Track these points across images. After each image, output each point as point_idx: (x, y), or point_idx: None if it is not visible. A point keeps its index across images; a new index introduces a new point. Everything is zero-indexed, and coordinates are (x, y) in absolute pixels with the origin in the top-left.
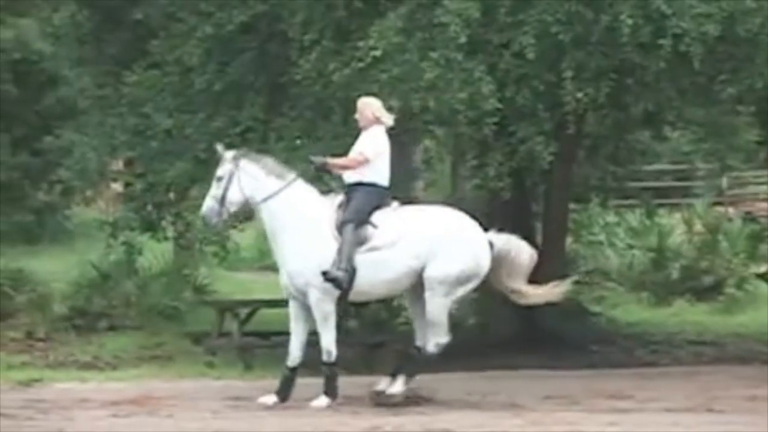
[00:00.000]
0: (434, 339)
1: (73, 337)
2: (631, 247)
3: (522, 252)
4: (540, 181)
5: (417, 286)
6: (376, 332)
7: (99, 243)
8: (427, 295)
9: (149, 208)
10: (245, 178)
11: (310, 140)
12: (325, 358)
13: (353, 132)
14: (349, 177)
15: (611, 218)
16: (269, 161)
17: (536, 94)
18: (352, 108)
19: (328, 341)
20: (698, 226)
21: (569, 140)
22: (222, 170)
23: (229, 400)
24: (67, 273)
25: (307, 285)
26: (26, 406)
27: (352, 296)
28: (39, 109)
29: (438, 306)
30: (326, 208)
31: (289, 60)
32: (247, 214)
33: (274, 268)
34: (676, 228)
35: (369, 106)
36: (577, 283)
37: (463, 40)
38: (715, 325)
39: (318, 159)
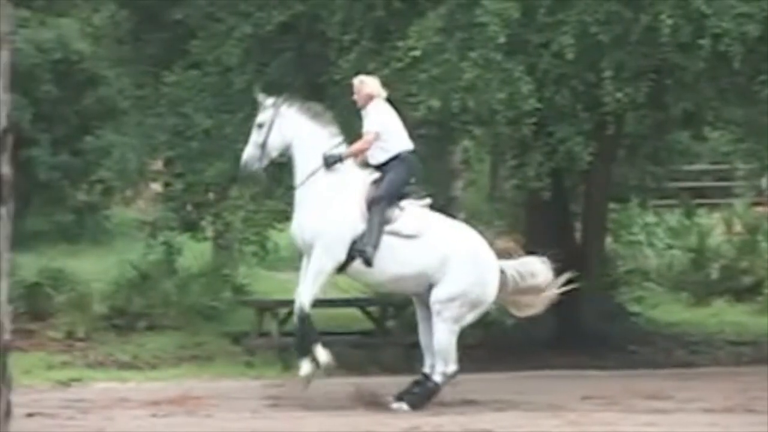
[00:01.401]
0: (441, 368)
1: (112, 336)
2: (670, 247)
3: (537, 275)
4: (579, 181)
5: (422, 302)
6: (416, 332)
7: (138, 243)
8: (434, 320)
9: (188, 208)
10: (286, 123)
11: (348, 140)
12: (297, 312)
13: None
14: (374, 158)
15: (650, 218)
16: (312, 106)
17: (575, 94)
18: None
19: (307, 296)
20: (738, 226)
21: (608, 140)
22: (262, 117)
23: (268, 399)
24: (106, 273)
25: (314, 238)
26: (66, 405)
27: (352, 272)
28: (79, 109)
29: (444, 332)
30: (361, 177)
31: (328, 60)
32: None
33: None
34: (716, 228)
35: (364, 84)
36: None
37: (502, 40)
38: (755, 326)
39: (332, 155)
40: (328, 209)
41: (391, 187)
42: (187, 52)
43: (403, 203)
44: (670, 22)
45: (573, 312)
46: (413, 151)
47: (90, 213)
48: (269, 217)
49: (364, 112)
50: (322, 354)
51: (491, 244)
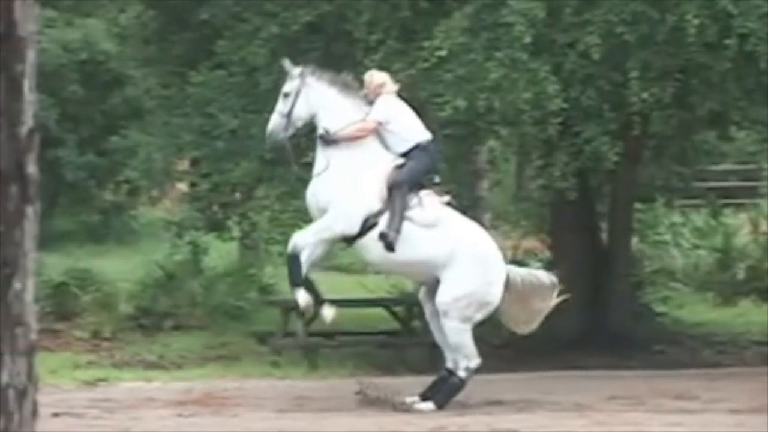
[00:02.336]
0: (464, 363)
1: (138, 336)
2: (696, 247)
3: (536, 294)
4: (605, 181)
5: (429, 298)
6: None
7: (164, 243)
8: (443, 321)
9: (215, 208)
10: (312, 93)
11: None
12: (288, 250)
13: None
14: (395, 148)
15: (677, 218)
16: (340, 77)
17: (601, 94)
18: (417, 108)
19: (302, 240)
20: (764, 226)
21: (634, 140)
22: (289, 86)
23: (294, 399)
24: (132, 273)
25: (329, 204)
26: (92, 405)
27: (359, 248)
28: (105, 109)
29: (454, 331)
30: (386, 158)
31: (355, 60)
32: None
33: (339, 269)
34: (742, 228)
35: (374, 77)
36: (641, 283)
37: (528, 40)
38: None
39: (328, 132)
40: (347, 180)
41: (412, 174)
42: (213, 52)
43: (423, 193)
44: (696, 22)
45: (599, 312)
46: (433, 141)
47: (116, 213)
48: (295, 216)
49: (373, 103)
50: (303, 299)
51: (516, 245)
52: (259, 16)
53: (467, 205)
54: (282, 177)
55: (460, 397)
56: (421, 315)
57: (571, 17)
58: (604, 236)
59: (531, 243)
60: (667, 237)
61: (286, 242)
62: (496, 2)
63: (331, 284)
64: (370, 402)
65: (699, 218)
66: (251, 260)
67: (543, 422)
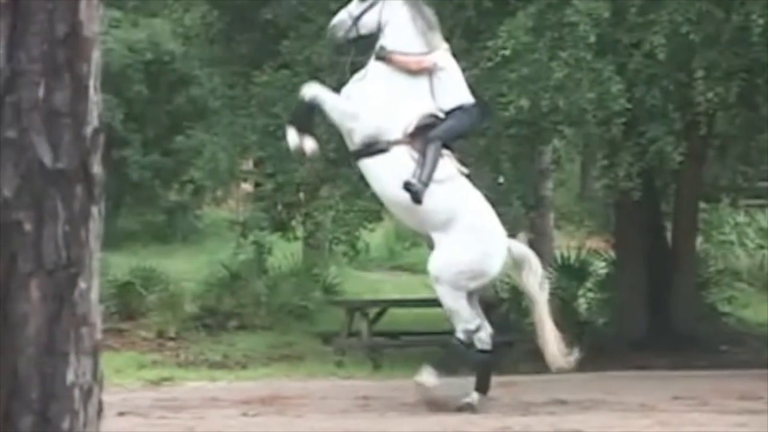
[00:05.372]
0: (462, 326)
1: (203, 336)
2: (761, 247)
3: (532, 272)
4: (670, 181)
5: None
6: (505, 332)
7: (229, 243)
8: (435, 287)
9: (279, 207)
10: (388, 10)
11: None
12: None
13: (483, 130)
14: (440, 101)
15: (741, 218)
16: (426, 12)
17: (666, 94)
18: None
19: (312, 92)
20: None
21: (699, 140)
22: None
23: (359, 399)
24: (197, 272)
25: (353, 120)
26: (157, 405)
27: (363, 167)
28: (170, 109)
29: (446, 296)
30: (425, 101)
31: None
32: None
33: (404, 268)
34: None
35: None
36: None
37: (592, 39)
38: None
39: (383, 49)
40: (381, 97)
41: (448, 131)
42: (278, 52)
43: (445, 151)
44: (761, 21)
45: (664, 312)
46: (476, 107)
47: (181, 213)
48: (359, 216)
49: None
50: (292, 140)
51: (580, 245)
52: (323, 15)
53: (532, 205)
54: (346, 177)
55: (525, 397)
56: (485, 314)
57: (636, 17)
58: (668, 236)
59: (595, 243)
60: (732, 237)
61: (350, 242)
62: (561, 2)
63: (395, 284)
64: (433, 402)
65: (764, 218)
66: (315, 260)
67: (607, 422)
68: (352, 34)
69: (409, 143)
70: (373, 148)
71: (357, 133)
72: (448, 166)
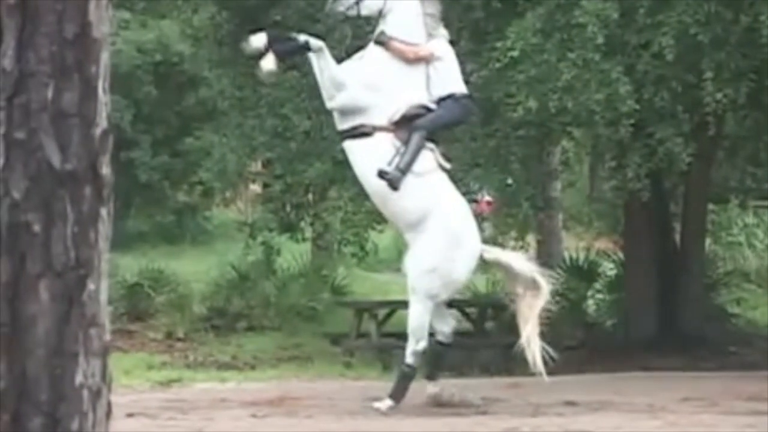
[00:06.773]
0: (411, 347)
1: (212, 337)
2: None
3: (512, 278)
4: (678, 182)
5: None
6: (514, 333)
7: (238, 244)
8: (410, 297)
9: (288, 209)
10: (391, 1)
11: (446, 141)
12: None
13: (493, 132)
14: (433, 88)
15: (750, 219)
16: (433, 2)
17: (675, 95)
18: (490, 109)
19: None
20: None
21: (708, 141)
22: None
23: (368, 401)
24: (206, 273)
25: (338, 87)
26: (166, 406)
27: (347, 149)
28: (179, 110)
29: (417, 308)
30: (419, 90)
31: None
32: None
33: None
34: None
35: None
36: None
37: (600, 40)
38: None
39: (383, 35)
40: (373, 79)
41: (435, 121)
42: None
43: (430, 145)
44: None
45: (673, 313)
46: (468, 97)
47: (190, 214)
48: (368, 218)
49: None
50: (258, 41)
51: (589, 246)
52: (331, 17)
53: (541, 206)
54: (355, 178)
55: (534, 398)
56: (494, 316)
57: (644, 18)
58: (677, 237)
59: (604, 244)
60: (741, 238)
61: (358, 243)
62: (569, 3)
63: (404, 285)
64: (442, 403)
65: None
66: (324, 261)
67: (616, 423)
68: (353, 13)
69: (393, 131)
70: (358, 130)
71: (335, 101)
72: (429, 159)
